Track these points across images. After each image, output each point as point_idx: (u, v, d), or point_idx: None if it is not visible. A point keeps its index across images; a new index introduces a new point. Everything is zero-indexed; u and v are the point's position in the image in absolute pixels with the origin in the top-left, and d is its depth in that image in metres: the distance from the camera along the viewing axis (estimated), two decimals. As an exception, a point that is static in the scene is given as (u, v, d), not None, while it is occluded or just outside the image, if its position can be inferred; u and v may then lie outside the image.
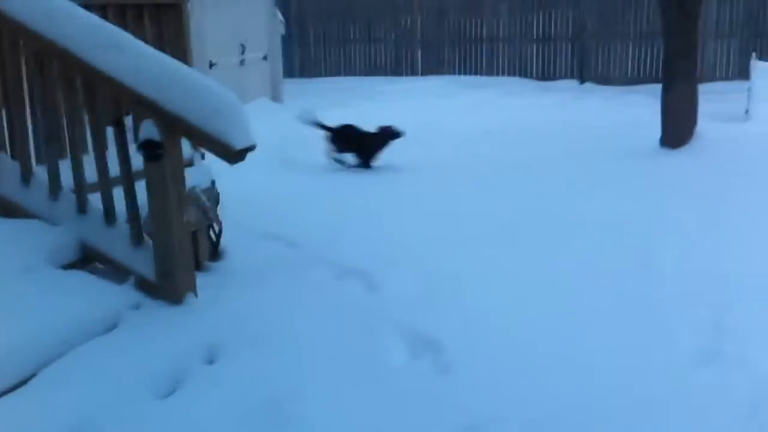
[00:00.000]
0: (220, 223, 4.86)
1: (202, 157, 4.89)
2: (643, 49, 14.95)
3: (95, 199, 4.14)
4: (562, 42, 15.42)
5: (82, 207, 4.14)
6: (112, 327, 3.71)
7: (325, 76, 16.72)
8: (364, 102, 12.83)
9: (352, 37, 16.64)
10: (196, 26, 10.56)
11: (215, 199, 4.82)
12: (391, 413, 3.20)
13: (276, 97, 13.03)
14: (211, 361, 3.61)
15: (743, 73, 12.73)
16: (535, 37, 15.56)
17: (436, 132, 10.21)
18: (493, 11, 15.69)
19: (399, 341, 3.89)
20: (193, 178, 4.56)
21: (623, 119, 11.16)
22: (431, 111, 11.92)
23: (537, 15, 15.49)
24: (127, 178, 3.99)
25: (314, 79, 16.58)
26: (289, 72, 16.09)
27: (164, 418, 3.09)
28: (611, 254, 5.22)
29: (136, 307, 3.91)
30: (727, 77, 14.26)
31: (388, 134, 8.31)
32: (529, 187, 7.28)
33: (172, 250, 3.97)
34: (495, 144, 9.57)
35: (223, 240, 4.95)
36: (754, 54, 12.10)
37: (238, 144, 3.65)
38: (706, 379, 3.46)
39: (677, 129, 8.93)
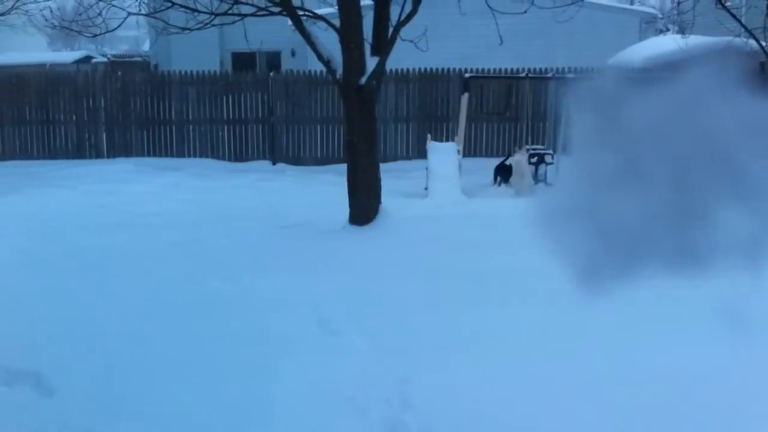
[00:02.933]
0: None
1: None
2: (331, 131, 15.54)
3: None
4: (252, 124, 15.57)
5: None
6: None
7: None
8: (41, 188, 11.91)
9: (27, 118, 15.46)
10: None
11: None
12: None
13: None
14: None
15: (421, 153, 13.66)
16: (225, 119, 15.55)
17: (108, 217, 9.73)
18: (180, 93, 15.47)
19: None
20: None
21: (314, 199, 11.40)
22: (113, 196, 11.34)
23: (226, 98, 15.52)
24: None
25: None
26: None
27: None
28: (304, 335, 5.14)
29: None
30: (407, 157, 15.24)
31: None
32: (203, 272, 7.01)
33: None
34: (178, 228, 9.27)
35: None
36: (429, 135, 13.04)
37: None
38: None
39: (363, 207, 9.24)
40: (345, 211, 9.30)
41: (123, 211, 10.20)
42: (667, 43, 16.95)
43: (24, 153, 15.41)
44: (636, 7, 21.10)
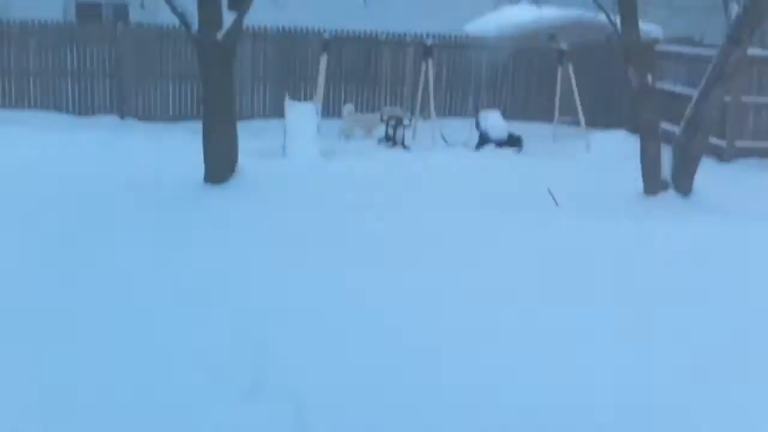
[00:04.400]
0: None
1: None
2: (183, 87, 14.97)
3: None
4: (99, 77, 14.77)
5: None
6: None
7: None
8: None
9: None
10: None
11: None
12: None
13: None
14: None
15: (279, 112, 13.44)
16: (70, 71, 14.67)
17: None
18: (21, 44, 14.46)
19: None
20: None
21: (166, 157, 10.97)
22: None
23: (71, 49, 14.63)
24: None
25: None
26: None
27: None
28: (167, 305, 4.94)
29: None
30: (264, 115, 14.91)
31: None
32: (62, 237, 6.62)
33: None
34: (28, 186, 8.70)
35: None
36: (287, 94, 12.77)
37: None
38: (252, 413, 3.43)
39: (219, 166, 9.01)
40: (200, 169, 9.03)
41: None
42: (522, 13, 17.41)
43: None
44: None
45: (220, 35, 8.63)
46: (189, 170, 9.22)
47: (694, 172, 9.55)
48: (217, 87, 8.88)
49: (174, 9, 8.71)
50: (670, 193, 9.46)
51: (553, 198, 8.72)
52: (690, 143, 9.45)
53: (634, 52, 9.32)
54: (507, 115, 13.95)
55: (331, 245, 6.53)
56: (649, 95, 9.44)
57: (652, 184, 9.44)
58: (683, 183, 9.49)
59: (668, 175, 9.51)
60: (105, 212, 7.61)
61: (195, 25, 8.72)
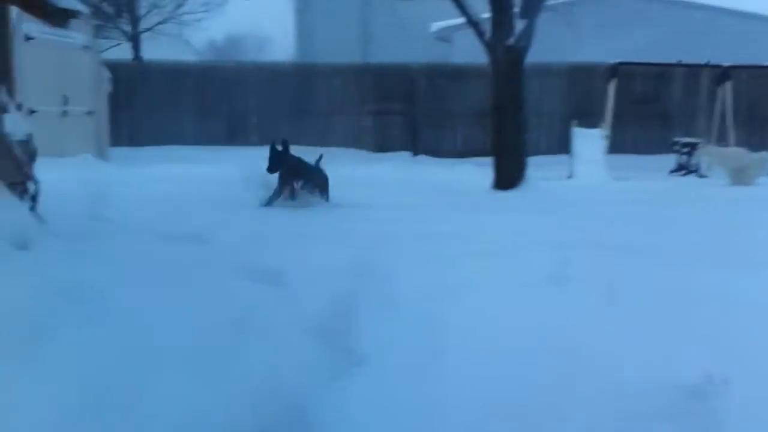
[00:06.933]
0: (37, 183, 4.33)
1: (19, 107, 4.41)
2: (469, 127, 15.52)
3: None
4: (395, 117, 15.77)
5: None
6: None
7: (154, 144, 15.95)
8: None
9: (184, 107, 16.27)
10: (17, 66, 9.95)
11: (31, 154, 4.32)
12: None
13: (101, 154, 12.30)
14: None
15: (564, 148, 13.41)
16: (369, 111, 15.84)
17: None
18: (328, 85, 15.89)
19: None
20: (6, 125, 4.08)
21: (456, 177, 11.38)
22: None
23: (371, 89, 15.80)
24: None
25: (144, 148, 15.70)
26: (116, 139, 14.92)
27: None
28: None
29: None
30: (549, 152, 14.93)
31: None
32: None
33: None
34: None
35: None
36: (575, 122, 12.65)
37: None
38: (557, 292, 3.53)
39: (507, 170, 9.25)
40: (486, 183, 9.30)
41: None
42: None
43: (178, 139, 16.05)
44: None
45: (512, 40, 8.93)
46: (477, 185, 9.51)
47: None
48: (507, 91, 9.13)
49: (469, 18, 9.16)
50: None
51: None
52: None
53: None
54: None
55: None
56: None
57: None
58: None
59: None
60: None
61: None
